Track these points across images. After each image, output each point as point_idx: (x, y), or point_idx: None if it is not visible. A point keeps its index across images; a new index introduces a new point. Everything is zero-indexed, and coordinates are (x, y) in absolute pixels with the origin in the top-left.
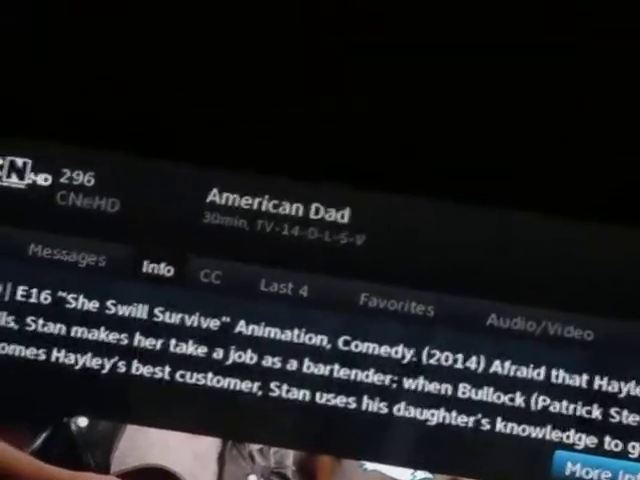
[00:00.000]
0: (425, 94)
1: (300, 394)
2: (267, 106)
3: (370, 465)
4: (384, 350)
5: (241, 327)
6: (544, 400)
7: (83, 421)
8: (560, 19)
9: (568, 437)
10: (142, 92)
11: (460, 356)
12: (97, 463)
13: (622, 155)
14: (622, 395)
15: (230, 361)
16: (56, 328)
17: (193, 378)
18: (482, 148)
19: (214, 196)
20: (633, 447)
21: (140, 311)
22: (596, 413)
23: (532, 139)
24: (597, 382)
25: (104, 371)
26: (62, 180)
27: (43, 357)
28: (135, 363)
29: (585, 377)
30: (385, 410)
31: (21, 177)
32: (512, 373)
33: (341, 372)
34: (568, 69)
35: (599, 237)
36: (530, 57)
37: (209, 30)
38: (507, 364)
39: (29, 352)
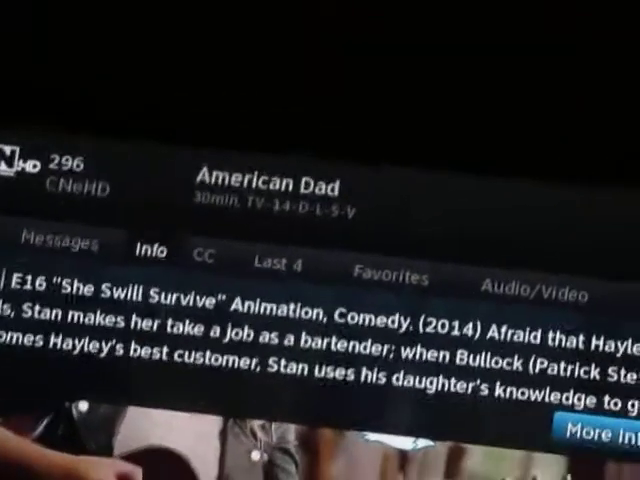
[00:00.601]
0: (424, 94)
1: (298, 368)
2: (253, 83)
3: (372, 436)
4: (380, 321)
5: (237, 304)
6: (542, 363)
7: (84, 405)
8: (560, 19)
9: (567, 398)
10: (128, 74)
11: (456, 323)
12: (100, 446)
13: (619, 125)
14: (619, 354)
15: (227, 339)
16: (52, 314)
17: (191, 357)
18: (473, 117)
19: (204, 175)
20: (632, 405)
21: (135, 293)
22: (594, 373)
23: (525, 117)
24: (594, 342)
25: (102, 354)
26: (51, 166)
27: (41, 343)
28: (133, 345)
29: (582, 338)
30: (384, 380)
31: (10, 164)
32: (509, 338)
33: (338, 344)
34: (568, 69)
35: (590, 199)
36: (530, 57)
37: (207, 21)
38: (503, 329)
39: (27, 339)
